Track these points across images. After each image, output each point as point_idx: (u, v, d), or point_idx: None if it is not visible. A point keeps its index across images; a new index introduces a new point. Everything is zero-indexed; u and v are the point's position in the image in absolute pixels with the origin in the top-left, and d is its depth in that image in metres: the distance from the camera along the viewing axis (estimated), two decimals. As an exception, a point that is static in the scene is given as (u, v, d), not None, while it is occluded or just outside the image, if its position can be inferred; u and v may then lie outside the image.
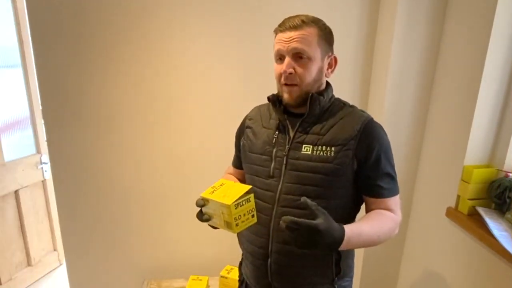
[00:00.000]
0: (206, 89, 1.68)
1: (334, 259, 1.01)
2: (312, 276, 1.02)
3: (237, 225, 0.88)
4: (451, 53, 1.52)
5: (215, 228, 0.96)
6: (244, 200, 0.88)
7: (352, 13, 1.65)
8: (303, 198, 0.85)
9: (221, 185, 0.94)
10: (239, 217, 0.88)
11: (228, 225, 0.90)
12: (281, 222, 0.82)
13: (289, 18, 0.96)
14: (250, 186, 0.90)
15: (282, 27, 0.96)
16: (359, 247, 0.96)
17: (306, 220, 0.80)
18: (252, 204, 0.90)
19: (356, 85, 1.75)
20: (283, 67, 0.95)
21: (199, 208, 0.94)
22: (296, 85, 0.96)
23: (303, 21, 0.94)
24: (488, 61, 1.32)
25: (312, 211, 0.83)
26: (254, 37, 1.62)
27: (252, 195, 0.90)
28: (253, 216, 0.91)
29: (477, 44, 1.36)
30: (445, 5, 1.53)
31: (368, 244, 0.95)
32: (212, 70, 1.66)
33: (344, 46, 1.69)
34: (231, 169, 1.28)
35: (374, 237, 0.93)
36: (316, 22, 0.96)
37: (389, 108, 1.64)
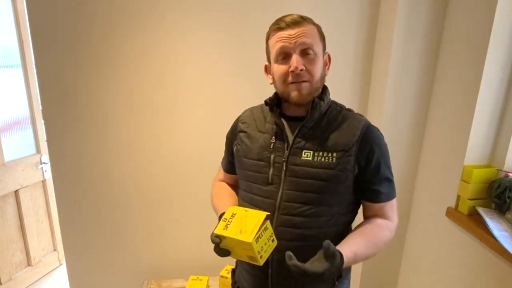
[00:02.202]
0: (206, 88, 1.68)
1: None
2: (314, 283, 1.00)
3: (261, 257, 0.84)
4: (451, 53, 1.52)
5: (236, 259, 0.92)
6: (263, 230, 0.83)
7: (352, 13, 1.65)
8: (326, 242, 0.80)
9: (232, 216, 0.88)
10: (262, 248, 0.84)
11: (252, 259, 0.86)
12: (288, 262, 0.80)
13: (285, 16, 0.93)
14: (265, 214, 0.86)
15: (282, 24, 0.91)
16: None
17: (312, 269, 0.79)
18: (270, 230, 0.86)
19: (356, 86, 1.75)
20: (293, 63, 0.90)
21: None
22: (306, 81, 0.92)
23: (302, 18, 0.92)
24: (488, 61, 1.32)
25: (327, 253, 0.80)
26: (253, 37, 1.62)
27: (268, 222, 0.86)
28: (273, 240, 0.87)
29: (477, 44, 1.36)
30: (445, 5, 1.53)
31: (363, 260, 0.96)
32: (212, 71, 1.66)
33: (344, 46, 1.69)
34: (222, 174, 1.23)
35: (368, 256, 0.94)
36: (311, 20, 0.95)
37: (389, 108, 1.64)
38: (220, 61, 1.65)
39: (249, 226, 0.83)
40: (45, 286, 2.48)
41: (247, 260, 0.88)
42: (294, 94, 0.93)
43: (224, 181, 1.22)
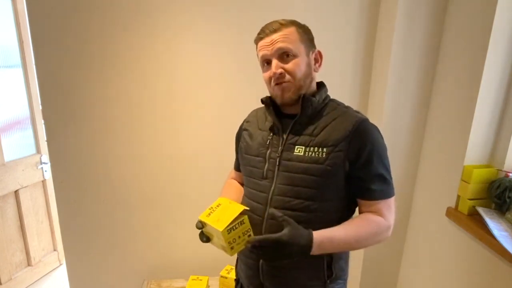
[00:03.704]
0: (206, 89, 1.68)
1: (325, 261, 1.00)
2: (303, 278, 1.01)
3: (232, 248, 0.88)
4: (451, 53, 1.53)
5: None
6: (238, 223, 0.87)
7: (352, 14, 1.65)
8: (271, 210, 0.91)
9: (218, 205, 0.94)
10: (234, 240, 0.87)
11: (223, 248, 0.90)
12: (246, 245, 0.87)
13: (266, 24, 0.99)
14: (242, 208, 0.90)
15: (262, 34, 0.98)
16: (337, 251, 0.99)
17: (268, 236, 0.86)
18: (247, 225, 0.89)
19: (356, 86, 1.75)
20: (272, 69, 0.96)
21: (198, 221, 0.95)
22: (287, 82, 0.97)
23: (281, 24, 0.97)
24: (488, 61, 1.32)
25: (278, 222, 0.88)
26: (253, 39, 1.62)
27: (246, 217, 0.89)
28: (249, 235, 0.90)
29: (477, 44, 1.36)
30: (445, 5, 1.53)
31: (345, 248, 0.97)
32: (213, 71, 1.66)
33: (344, 46, 1.69)
34: (233, 172, 1.28)
35: (351, 241, 0.94)
36: (292, 22, 0.98)
37: (389, 108, 1.64)
38: (223, 62, 1.66)
39: (226, 217, 0.87)
40: (45, 286, 2.48)
41: (221, 249, 0.93)
42: (278, 95, 1.00)
43: (235, 179, 1.27)
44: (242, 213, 0.89)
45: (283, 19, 0.98)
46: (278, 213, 0.89)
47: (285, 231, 0.86)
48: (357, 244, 0.96)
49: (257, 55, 1.03)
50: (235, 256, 1.20)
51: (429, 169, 1.68)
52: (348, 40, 1.68)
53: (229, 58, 1.65)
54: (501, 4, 1.27)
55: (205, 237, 0.95)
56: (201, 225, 0.93)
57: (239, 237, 0.88)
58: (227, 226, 0.85)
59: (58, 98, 1.60)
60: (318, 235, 0.89)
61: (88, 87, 1.61)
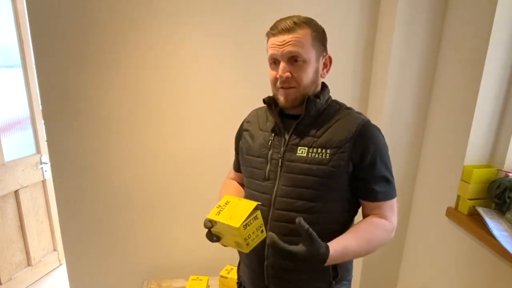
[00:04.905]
0: (207, 89, 1.68)
1: None
2: (309, 280, 1.01)
3: (247, 244, 0.87)
4: (451, 53, 1.53)
5: (225, 246, 0.95)
6: (252, 218, 0.86)
7: (352, 14, 1.65)
8: (298, 219, 0.82)
9: (226, 203, 0.92)
10: (249, 236, 0.86)
11: (238, 245, 0.89)
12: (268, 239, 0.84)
13: (281, 20, 0.95)
14: (255, 203, 0.88)
15: (275, 30, 0.94)
16: (346, 260, 0.98)
17: (284, 247, 0.80)
18: (260, 220, 0.89)
19: (356, 86, 1.75)
20: (278, 71, 0.94)
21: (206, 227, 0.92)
22: (293, 87, 0.95)
23: (295, 23, 0.92)
24: (488, 61, 1.32)
25: (301, 233, 0.82)
26: (254, 38, 1.62)
27: (259, 212, 0.88)
28: (262, 231, 0.90)
29: (477, 44, 1.36)
30: (445, 5, 1.53)
31: (355, 257, 0.97)
32: (213, 71, 1.66)
33: (344, 46, 1.69)
34: (232, 173, 1.27)
35: (361, 253, 0.94)
36: (308, 23, 0.94)
37: (389, 108, 1.64)
38: (224, 62, 1.65)
39: (239, 213, 0.86)
40: (45, 286, 2.48)
41: (235, 247, 0.91)
42: (281, 98, 0.98)
43: (234, 180, 1.25)
44: (256, 208, 0.88)
45: (298, 18, 0.94)
46: (305, 224, 0.81)
47: (303, 248, 0.81)
48: (366, 253, 0.96)
49: (267, 49, 0.99)
50: (237, 257, 1.20)
51: (429, 169, 1.68)
52: (348, 40, 1.68)
53: (232, 58, 1.65)
54: (501, 4, 1.27)
55: (215, 237, 0.92)
56: (210, 224, 0.90)
57: (253, 232, 0.88)
58: (243, 222, 0.84)
59: (58, 98, 1.60)
60: (333, 250, 0.85)
61: (88, 87, 1.61)
